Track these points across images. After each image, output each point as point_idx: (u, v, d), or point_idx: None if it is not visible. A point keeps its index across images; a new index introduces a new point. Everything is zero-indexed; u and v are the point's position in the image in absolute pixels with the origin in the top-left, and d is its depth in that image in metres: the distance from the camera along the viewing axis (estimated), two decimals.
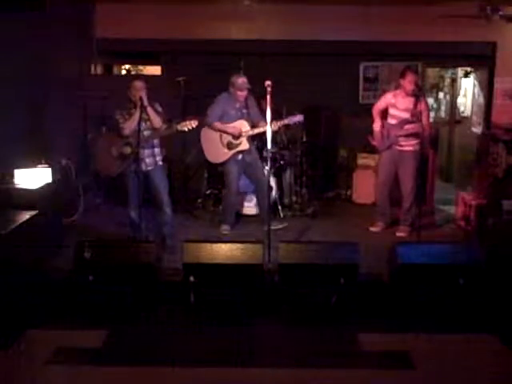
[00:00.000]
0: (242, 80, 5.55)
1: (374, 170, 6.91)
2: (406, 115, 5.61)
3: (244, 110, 5.68)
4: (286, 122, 5.65)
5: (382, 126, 5.74)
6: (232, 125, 5.61)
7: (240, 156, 5.70)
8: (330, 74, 7.41)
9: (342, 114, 7.59)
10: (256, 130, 5.67)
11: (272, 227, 5.01)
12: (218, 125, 5.62)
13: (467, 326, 4.09)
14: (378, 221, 5.98)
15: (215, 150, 5.71)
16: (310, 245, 4.55)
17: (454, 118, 9.23)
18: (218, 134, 5.67)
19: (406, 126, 5.62)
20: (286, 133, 6.79)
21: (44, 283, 4.41)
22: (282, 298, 4.25)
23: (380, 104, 5.83)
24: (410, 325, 4.11)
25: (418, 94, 5.55)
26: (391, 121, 5.73)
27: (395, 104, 5.68)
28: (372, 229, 5.94)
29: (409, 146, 5.65)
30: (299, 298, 4.20)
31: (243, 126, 5.65)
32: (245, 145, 5.65)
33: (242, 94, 5.58)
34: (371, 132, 5.83)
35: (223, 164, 5.78)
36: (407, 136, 5.63)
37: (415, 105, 5.51)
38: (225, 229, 5.82)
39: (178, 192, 6.88)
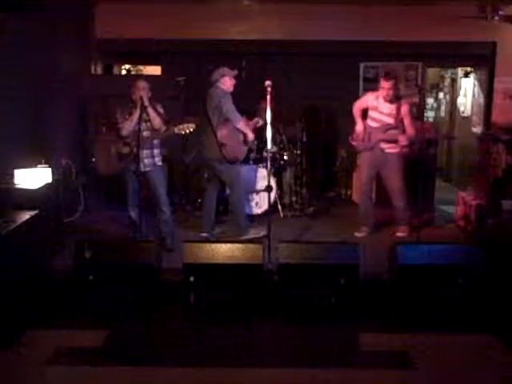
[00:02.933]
0: (229, 67, 5.39)
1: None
2: (390, 120, 5.57)
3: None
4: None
5: (364, 128, 5.68)
6: (251, 122, 5.47)
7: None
8: (330, 74, 7.40)
9: (342, 114, 7.58)
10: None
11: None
12: (243, 124, 5.39)
13: (467, 325, 4.09)
14: (362, 225, 5.86)
15: (241, 147, 5.47)
16: (309, 245, 4.54)
17: (455, 117, 9.25)
18: (239, 131, 5.43)
19: (389, 132, 5.57)
20: (286, 133, 6.79)
21: (44, 283, 4.41)
22: (281, 298, 4.25)
23: (361, 104, 5.75)
24: (410, 325, 4.12)
25: (399, 98, 5.57)
26: (373, 123, 5.66)
27: (377, 107, 5.62)
28: (357, 234, 5.81)
29: (391, 148, 5.61)
30: (299, 299, 4.20)
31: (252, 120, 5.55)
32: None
33: (233, 81, 5.40)
34: (351, 132, 5.80)
35: (236, 163, 5.53)
36: (389, 141, 5.59)
37: (398, 110, 5.51)
38: (255, 232, 5.54)
39: (177, 192, 6.90)
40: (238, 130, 5.39)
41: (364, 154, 5.78)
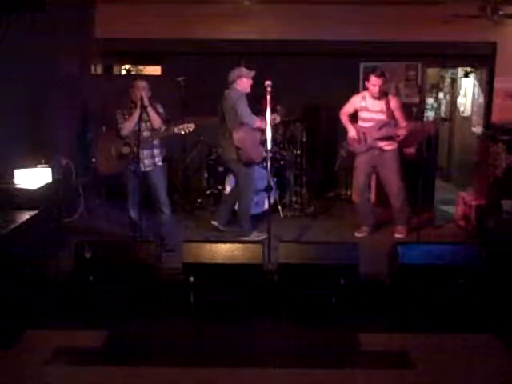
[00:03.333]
0: (246, 68, 5.41)
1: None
2: (382, 116, 5.54)
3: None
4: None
5: (357, 131, 5.66)
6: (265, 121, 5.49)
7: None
8: (330, 74, 7.40)
9: None
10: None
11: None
12: (259, 123, 5.32)
13: (467, 325, 4.09)
14: (362, 225, 5.85)
15: (257, 148, 5.42)
16: (309, 245, 4.55)
17: (455, 118, 9.24)
18: (256, 132, 5.41)
19: (384, 129, 5.54)
20: (286, 133, 6.79)
21: (44, 283, 4.41)
22: (281, 298, 4.25)
23: (348, 108, 5.71)
24: (410, 325, 4.12)
25: (386, 94, 5.54)
26: (365, 124, 5.63)
27: (367, 107, 5.59)
28: (357, 234, 5.79)
29: (388, 145, 5.60)
30: (299, 298, 4.20)
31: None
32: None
33: (250, 82, 5.41)
34: (345, 138, 5.78)
35: (253, 164, 5.50)
36: (385, 138, 5.58)
37: (388, 105, 5.49)
38: (258, 235, 5.53)
39: (177, 192, 6.90)
40: (254, 130, 5.38)
41: (360, 154, 5.75)
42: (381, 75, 5.47)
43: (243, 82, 5.37)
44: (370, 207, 5.91)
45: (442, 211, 6.89)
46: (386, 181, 5.73)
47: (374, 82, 5.46)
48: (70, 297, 4.28)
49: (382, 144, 5.61)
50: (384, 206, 6.00)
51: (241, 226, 5.62)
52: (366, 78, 5.57)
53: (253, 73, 5.40)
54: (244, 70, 5.39)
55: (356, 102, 5.68)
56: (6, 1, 4.94)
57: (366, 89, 5.65)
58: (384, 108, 5.52)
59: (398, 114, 5.53)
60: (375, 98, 5.53)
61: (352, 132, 5.69)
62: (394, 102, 5.53)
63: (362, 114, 5.66)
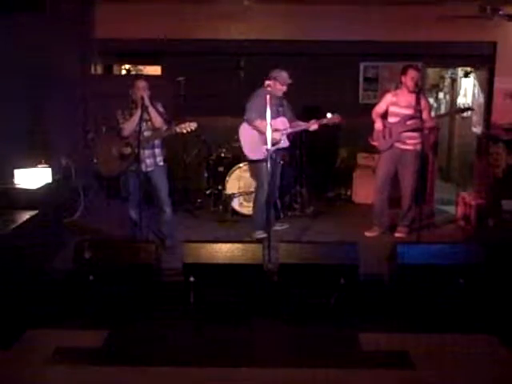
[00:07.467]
0: (286, 74, 5.48)
1: (373, 170, 6.91)
2: (409, 111, 5.54)
3: (280, 108, 5.57)
4: (324, 121, 5.69)
5: (384, 126, 5.68)
6: (272, 123, 5.50)
7: (274, 154, 5.47)
8: (330, 74, 7.41)
9: (342, 114, 7.57)
10: (297, 128, 5.73)
11: (275, 228, 5.11)
12: (258, 122, 5.38)
13: (467, 325, 4.09)
14: (375, 225, 5.84)
15: (255, 146, 5.49)
16: (309, 245, 4.54)
17: (455, 117, 9.24)
18: (256, 131, 5.48)
19: (409, 122, 5.54)
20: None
21: (44, 283, 4.41)
22: (281, 298, 4.25)
23: (380, 107, 5.73)
24: (410, 325, 4.12)
25: (419, 91, 5.53)
26: (392, 119, 5.65)
27: (396, 102, 5.62)
28: (368, 234, 5.79)
29: (411, 145, 5.59)
30: (299, 298, 4.20)
31: (284, 123, 5.60)
32: (285, 142, 5.65)
33: (283, 88, 5.49)
34: (371, 133, 5.78)
35: (258, 161, 5.56)
36: (410, 132, 5.55)
37: (417, 102, 5.48)
38: (259, 233, 5.52)
39: (178, 192, 6.89)
40: (254, 128, 5.45)
41: (384, 152, 5.74)
42: (419, 69, 5.57)
43: (276, 85, 5.44)
44: (387, 207, 5.89)
45: (442, 211, 6.89)
46: (403, 180, 5.72)
47: (413, 75, 5.49)
48: (69, 297, 4.28)
49: (406, 141, 5.60)
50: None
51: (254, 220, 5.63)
52: (403, 73, 5.57)
53: (289, 81, 5.49)
54: (283, 75, 5.46)
55: (387, 98, 5.72)
56: (6, 1, 4.94)
57: (396, 87, 5.72)
58: (412, 104, 5.48)
59: (425, 114, 5.49)
60: (410, 92, 5.52)
61: (378, 125, 5.69)
62: (424, 103, 5.52)
63: (391, 109, 5.67)
